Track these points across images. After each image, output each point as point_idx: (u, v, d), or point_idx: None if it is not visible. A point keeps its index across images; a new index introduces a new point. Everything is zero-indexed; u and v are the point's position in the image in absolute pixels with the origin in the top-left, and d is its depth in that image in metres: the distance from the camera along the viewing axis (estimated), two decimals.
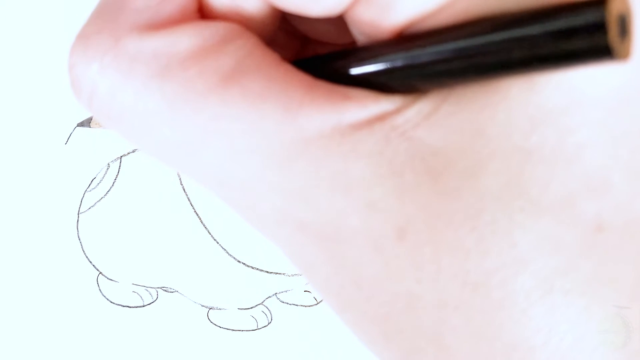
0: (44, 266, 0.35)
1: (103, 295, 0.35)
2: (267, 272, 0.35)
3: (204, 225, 0.35)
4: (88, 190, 0.35)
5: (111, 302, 0.35)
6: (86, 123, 0.34)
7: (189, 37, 0.15)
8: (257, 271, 0.35)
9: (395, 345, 0.16)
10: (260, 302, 0.35)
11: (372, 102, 0.14)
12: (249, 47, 0.15)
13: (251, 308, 0.35)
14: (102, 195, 0.35)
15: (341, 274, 0.15)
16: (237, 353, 0.35)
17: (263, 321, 0.35)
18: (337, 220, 0.15)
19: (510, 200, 0.14)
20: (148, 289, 0.35)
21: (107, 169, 0.35)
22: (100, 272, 0.35)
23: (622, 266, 0.14)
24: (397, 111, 0.14)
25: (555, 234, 0.14)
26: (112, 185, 0.35)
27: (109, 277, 0.35)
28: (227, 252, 0.35)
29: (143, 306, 0.35)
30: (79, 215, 0.35)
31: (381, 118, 0.14)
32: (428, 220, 0.14)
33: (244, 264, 0.35)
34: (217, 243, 0.35)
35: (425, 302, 0.15)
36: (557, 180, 0.14)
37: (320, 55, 0.16)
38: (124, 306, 0.35)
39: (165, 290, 0.35)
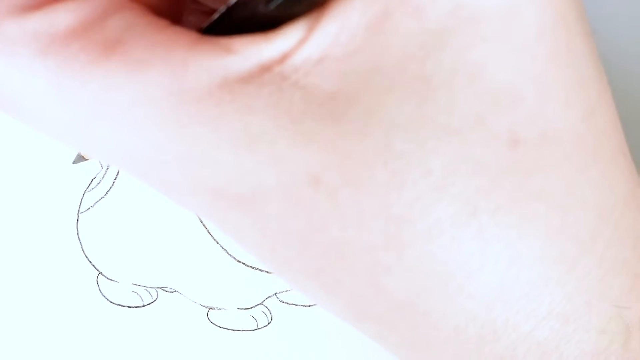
0: (43, 266, 0.35)
1: (103, 295, 0.35)
2: (267, 272, 0.35)
3: (203, 225, 0.35)
4: (88, 190, 0.35)
5: (111, 302, 0.35)
6: (79, 159, 0.34)
7: (68, 14, 0.14)
8: (257, 271, 0.35)
9: (336, 296, 0.15)
10: (260, 302, 0.35)
11: (254, 50, 0.14)
12: (133, 18, 0.14)
13: (251, 308, 0.35)
14: (102, 195, 0.35)
15: (268, 236, 0.15)
16: (237, 353, 0.35)
17: (263, 321, 0.35)
18: (250, 179, 0.14)
19: (417, 129, 0.14)
20: (148, 289, 0.35)
21: (107, 168, 0.35)
22: (100, 272, 0.35)
23: (545, 177, 0.14)
24: (282, 59, 0.14)
25: (471, 155, 0.14)
26: (112, 185, 0.35)
27: (109, 277, 0.35)
28: (227, 252, 0.35)
29: (143, 306, 0.35)
30: (79, 215, 0.35)
31: (267, 68, 0.14)
32: (339, 163, 0.14)
33: (244, 264, 0.35)
34: (217, 243, 0.35)
35: (354, 247, 0.14)
36: (461, 100, 0.14)
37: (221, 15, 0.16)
38: (123, 306, 0.35)
39: (165, 290, 0.35)
